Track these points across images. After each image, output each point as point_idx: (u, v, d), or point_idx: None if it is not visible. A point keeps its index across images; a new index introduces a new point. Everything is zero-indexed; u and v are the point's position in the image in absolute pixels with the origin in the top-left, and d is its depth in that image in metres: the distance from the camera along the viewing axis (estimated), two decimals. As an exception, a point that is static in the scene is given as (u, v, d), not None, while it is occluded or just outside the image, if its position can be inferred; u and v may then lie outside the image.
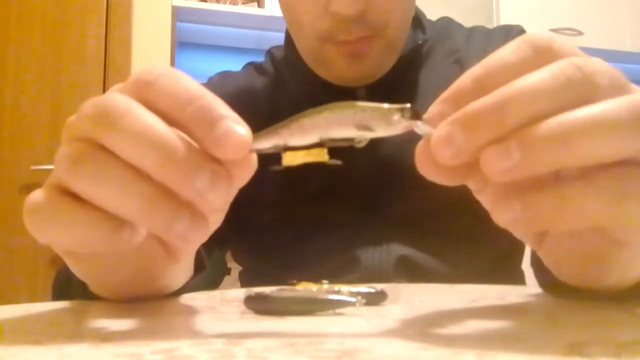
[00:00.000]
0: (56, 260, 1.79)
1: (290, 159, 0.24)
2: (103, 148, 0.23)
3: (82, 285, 0.32)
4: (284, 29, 0.63)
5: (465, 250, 0.55)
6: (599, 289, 0.29)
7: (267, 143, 0.24)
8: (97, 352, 0.20)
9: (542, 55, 0.22)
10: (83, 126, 0.24)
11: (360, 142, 0.24)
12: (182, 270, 0.34)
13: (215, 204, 0.23)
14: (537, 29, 0.79)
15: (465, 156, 0.22)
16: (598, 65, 0.22)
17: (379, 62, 0.54)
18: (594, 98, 0.21)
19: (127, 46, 1.94)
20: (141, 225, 0.24)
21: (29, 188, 1.77)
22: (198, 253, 0.36)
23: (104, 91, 1.90)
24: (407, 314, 0.28)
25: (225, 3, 2.13)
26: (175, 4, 2.02)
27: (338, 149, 0.24)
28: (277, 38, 0.65)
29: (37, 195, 0.24)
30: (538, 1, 2.38)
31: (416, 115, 0.23)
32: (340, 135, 0.23)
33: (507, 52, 0.23)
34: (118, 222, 0.23)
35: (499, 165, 0.20)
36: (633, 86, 0.23)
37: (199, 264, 0.38)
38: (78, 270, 0.29)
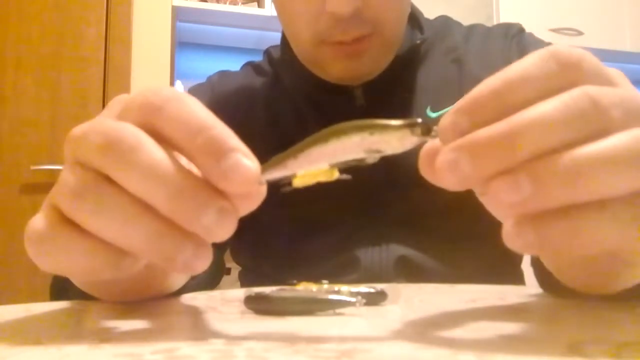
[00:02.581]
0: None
1: (300, 182, 0.24)
2: (108, 179, 0.22)
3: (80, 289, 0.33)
4: (282, 30, 0.62)
5: (465, 250, 0.55)
6: (604, 294, 0.29)
7: (275, 174, 0.23)
8: (97, 352, 0.20)
9: (568, 73, 0.21)
10: (90, 155, 0.23)
11: (370, 160, 0.23)
12: (178, 276, 0.34)
13: (221, 238, 0.22)
14: (537, 28, 0.78)
15: (471, 184, 0.21)
16: (614, 96, 0.21)
17: (376, 61, 0.54)
18: (607, 131, 0.20)
19: (127, 46, 1.94)
20: (144, 257, 0.24)
21: (29, 188, 1.78)
22: None
23: (104, 91, 1.87)
24: (407, 314, 0.28)
25: (225, 3, 2.13)
26: (175, 4, 2.02)
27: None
28: (277, 38, 0.65)
29: (38, 223, 0.24)
30: (538, 1, 2.38)
31: (427, 131, 0.22)
32: (349, 159, 0.23)
33: (530, 64, 0.22)
34: (120, 252, 0.23)
35: (508, 198, 0.20)
36: None
37: None
38: (77, 283, 0.30)
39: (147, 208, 0.22)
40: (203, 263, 0.23)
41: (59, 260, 0.24)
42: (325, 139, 0.22)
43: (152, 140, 0.22)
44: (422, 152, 0.23)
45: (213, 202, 0.22)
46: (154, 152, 0.22)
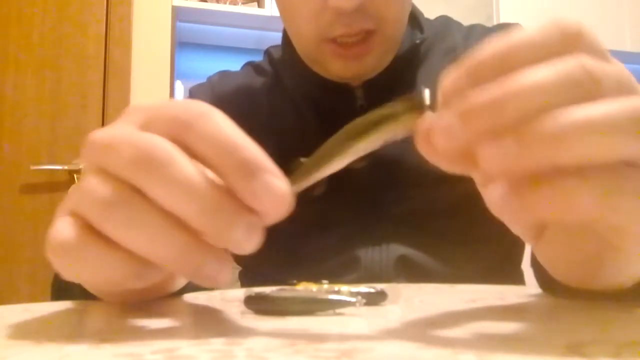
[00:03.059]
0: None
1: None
2: (139, 192, 0.22)
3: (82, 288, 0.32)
4: (282, 29, 0.63)
5: (465, 250, 0.55)
6: (597, 289, 0.29)
7: (302, 185, 0.24)
8: (97, 352, 0.20)
9: (567, 41, 0.22)
10: (121, 166, 0.23)
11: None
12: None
13: (248, 251, 0.23)
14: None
15: (463, 147, 0.21)
16: (607, 69, 0.21)
17: (377, 60, 0.54)
18: (596, 99, 0.21)
19: (127, 46, 1.94)
20: (169, 269, 0.24)
21: (29, 188, 1.78)
22: None
23: (104, 91, 1.87)
24: (407, 314, 0.28)
25: (225, 3, 2.13)
26: (175, 4, 2.02)
27: None
28: (277, 38, 0.65)
29: (64, 233, 0.23)
30: (538, 1, 2.38)
31: (421, 106, 0.23)
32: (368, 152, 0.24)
33: (533, 31, 0.22)
34: (145, 264, 0.23)
35: (494, 158, 0.21)
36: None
37: None
38: (89, 287, 0.29)
39: (176, 221, 0.22)
40: (226, 277, 0.23)
41: (85, 271, 0.24)
42: (347, 143, 0.23)
43: (185, 155, 0.22)
44: (420, 130, 0.23)
45: (242, 217, 0.22)
46: (187, 167, 0.22)
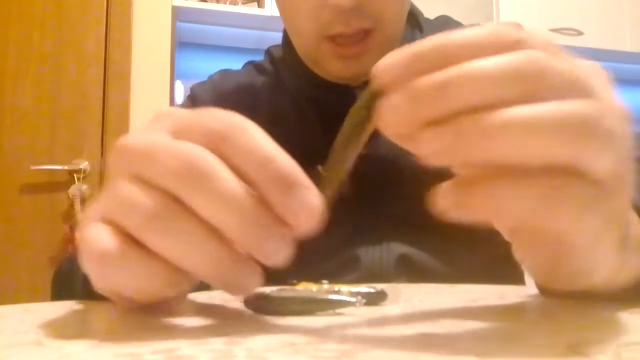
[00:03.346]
0: (56, 260, 1.79)
1: None
2: (181, 203, 0.23)
3: (85, 284, 0.32)
4: (283, 29, 0.63)
5: (465, 250, 0.55)
6: (572, 290, 0.28)
7: (331, 195, 0.25)
8: (97, 352, 0.20)
9: (517, 38, 0.22)
10: (164, 178, 0.23)
11: None
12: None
13: (279, 263, 0.23)
14: (537, 28, 0.79)
15: (408, 127, 0.21)
16: (557, 64, 0.21)
17: (375, 60, 0.54)
18: (539, 96, 0.20)
19: (127, 46, 1.94)
20: (204, 279, 0.24)
21: (29, 188, 1.78)
22: None
23: (104, 91, 1.87)
24: (407, 314, 0.28)
25: (225, 3, 2.13)
26: (175, 4, 2.02)
27: None
28: (277, 38, 0.66)
29: (102, 242, 0.23)
30: (538, 1, 2.38)
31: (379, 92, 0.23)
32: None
33: (481, 29, 0.22)
34: (181, 274, 0.24)
35: (430, 145, 0.21)
36: (600, 91, 0.22)
37: None
38: (110, 294, 0.29)
39: (214, 232, 0.23)
40: (254, 286, 0.24)
41: (123, 280, 0.24)
42: (350, 146, 0.25)
43: (227, 169, 0.22)
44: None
45: (276, 230, 0.23)
46: (229, 179, 0.22)
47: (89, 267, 0.24)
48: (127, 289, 0.25)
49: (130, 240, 0.23)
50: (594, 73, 0.22)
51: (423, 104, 0.21)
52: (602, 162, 0.21)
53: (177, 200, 0.23)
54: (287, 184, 0.22)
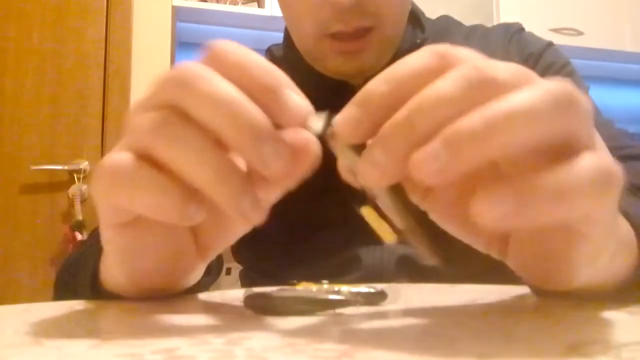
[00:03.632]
0: (56, 260, 1.78)
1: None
2: (183, 115, 0.24)
3: (91, 279, 0.33)
4: (284, 29, 0.63)
5: (465, 250, 0.55)
6: (582, 292, 0.28)
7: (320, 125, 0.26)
8: (97, 352, 0.20)
9: (448, 57, 0.23)
10: (163, 92, 0.25)
11: None
12: (200, 270, 0.34)
13: (274, 172, 0.24)
14: (537, 28, 0.79)
15: (393, 174, 0.22)
16: (497, 64, 0.22)
17: (376, 57, 0.55)
18: (503, 92, 0.21)
19: (127, 46, 1.94)
20: (211, 196, 0.25)
21: (29, 188, 1.78)
22: None
23: (104, 91, 1.87)
24: (407, 314, 0.28)
25: (225, 3, 2.13)
26: (175, 4, 2.02)
27: None
28: (277, 38, 0.66)
29: (118, 157, 0.25)
30: (538, 1, 2.38)
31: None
32: None
33: (411, 59, 0.24)
34: (189, 194, 0.25)
35: (428, 168, 0.20)
36: (538, 79, 0.23)
37: (207, 268, 0.38)
38: (116, 248, 0.30)
39: (218, 144, 0.24)
40: (259, 215, 0.25)
41: (133, 194, 0.25)
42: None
43: (218, 74, 0.24)
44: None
45: (270, 135, 0.24)
46: (221, 81, 0.24)
47: (100, 182, 0.26)
48: (136, 203, 0.25)
49: (145, 158, 0.25)
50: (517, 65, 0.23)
51: (397, 146, 0.22)
52: (586, 128, 0.22)
53: (181, 113, 0.24)
54: (275, 87, 0.24)
